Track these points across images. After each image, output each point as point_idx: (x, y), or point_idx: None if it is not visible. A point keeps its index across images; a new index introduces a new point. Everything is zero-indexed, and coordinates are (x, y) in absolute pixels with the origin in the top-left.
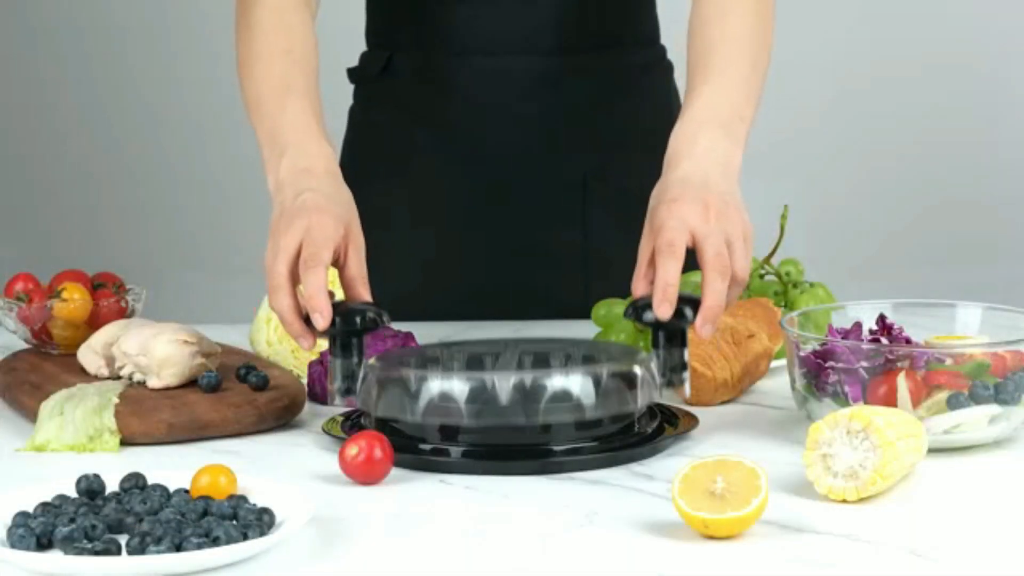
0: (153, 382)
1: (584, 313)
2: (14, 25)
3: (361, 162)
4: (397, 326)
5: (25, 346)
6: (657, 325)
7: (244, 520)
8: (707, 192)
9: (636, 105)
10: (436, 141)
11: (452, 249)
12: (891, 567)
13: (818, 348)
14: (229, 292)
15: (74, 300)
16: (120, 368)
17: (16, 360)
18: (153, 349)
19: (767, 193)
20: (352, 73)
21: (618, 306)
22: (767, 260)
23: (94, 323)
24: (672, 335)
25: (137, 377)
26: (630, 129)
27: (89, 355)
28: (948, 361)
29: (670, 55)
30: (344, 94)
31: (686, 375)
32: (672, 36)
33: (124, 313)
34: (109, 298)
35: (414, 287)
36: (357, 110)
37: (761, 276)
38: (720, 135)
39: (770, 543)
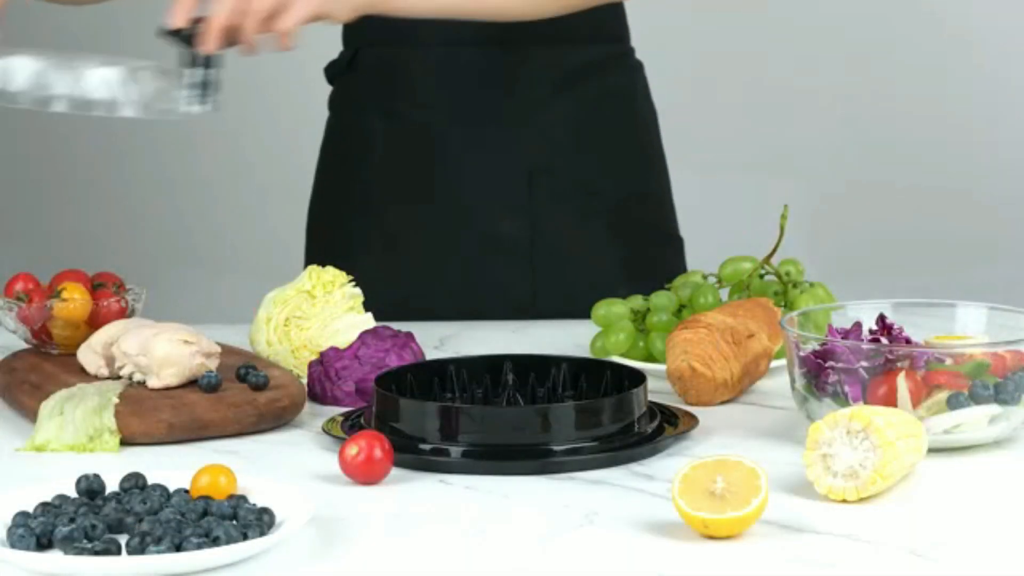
0: (153, 382)
1: (534, 308)
2: (14, 25)
3: (336, 160)
4: (397, 326)
5: (25, 346)
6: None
7: (244, 520)
8: None
9: (590, 101)
10: (394, 136)
11: (410, 243)
12: (891, 567)
13: (818, 348)
14: (229, 292)
15: (74, 300)
16: (120, 368)
17: (16, 360)
18: (153, 349)
19: (767, 193)
20: (327, 71)
21: (618, 306)
22: (767, 260)
23: (94, 323)
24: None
25: (137, 377)
26: (581, 124)
27: (89, 355)
28: (948, 361)
29: (648, 59)
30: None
31: (209, 94)
32: (647, 39)
33: (124, 313)
34: (109, 298)
35: (385, 281)
36: (331, 109)
37: (761, 276)
38: None
39: (770, 543)
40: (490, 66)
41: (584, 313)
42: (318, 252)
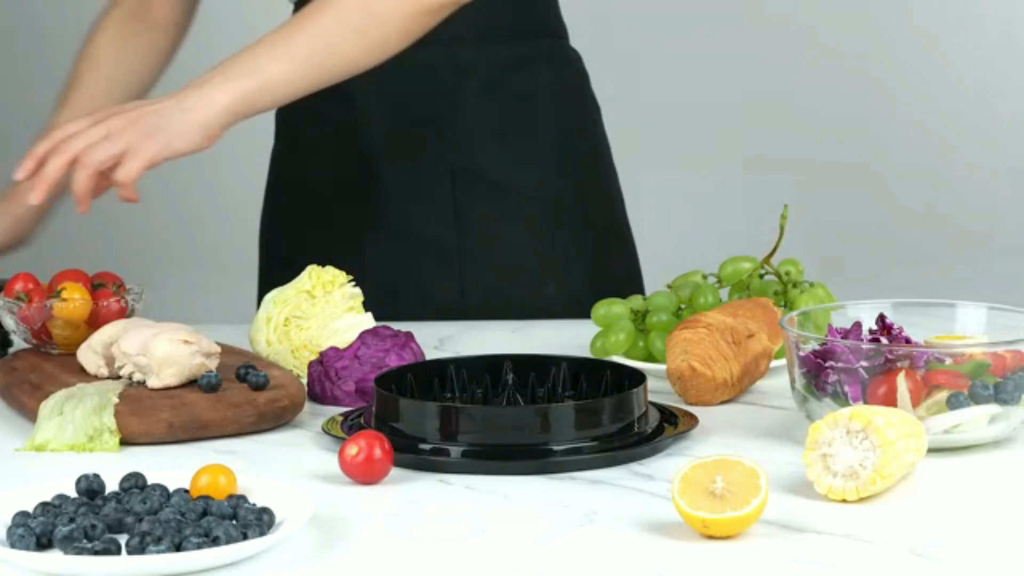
0: (153, 382)
1: (461, 307)
2: (14, 25)
3: (276, 165)
4: (397, 326)
5: (25, 346)
6: None
7: (244, 520)
8: (136, 106)
9: (516, 98)
10: (325, 136)
11: (346, 243)
12: (891, 567)
13: (818, 348)
14: (229, 292)
15: (74, 300)
16: (120, 368)
17: (16, 360)
18: (153, 349)
19: (767, 193)
20: None
21: (617, 306)
22: (767, 260)
23: (94, 323)
24: None
25: (137, 377)
26: (505, 123)
27: (89, 355)
28: (948, 361)
29: (644, 58)
30: None
31: None
32: (645, 39)
33: (124, 313)
34: (109, 298)
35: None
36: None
37: (761, 276)
38: (218, 78)
39: (770, 543)
40: (417, 65)
41: (513, 313)
42: (268, 257)
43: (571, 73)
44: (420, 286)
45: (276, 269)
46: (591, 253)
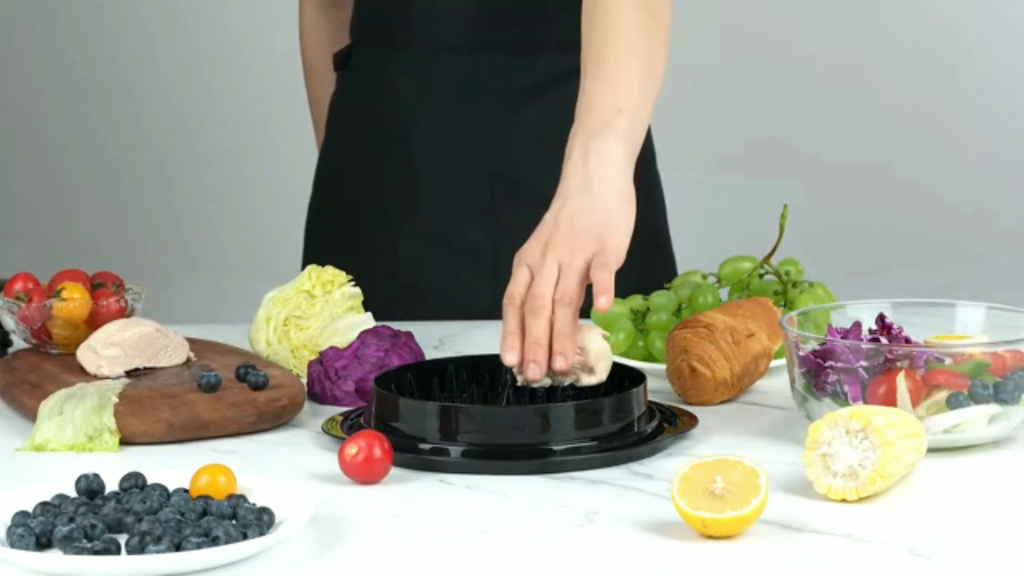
0: (587, 379)
1: (492, 313)
2: (15, 25)
3: (326, 162)
4: (397, 326)
5: (25, 346)
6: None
7: (244, 520)
8: (556, 220)
9: (553, 108)
10: (371, 137)
11: (383, 245)
12: (891, 567)
13: (818, 348)
14: (229, 292)
15: (74, 300)
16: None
17: (16, 360)
18: (588, 344)
19: (767, 193)
20: (334, 59)
21: (617, 306)
22: (767, 260)
23: (94, 323)
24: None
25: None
26: (543, 131)
27: (88, 354)
28: (947, 361)
29: None
30: None
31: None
32: None
33: (123, 313)
34: (109, 298)
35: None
36: (329, 108)
37: (761, 276)
38: (593, 136)
39: (770, 543)
40: (464, 73)
41: None
42: (312, 253)
43: None
44: (455, 288)
45: (318, 257)
46: (630, 262)
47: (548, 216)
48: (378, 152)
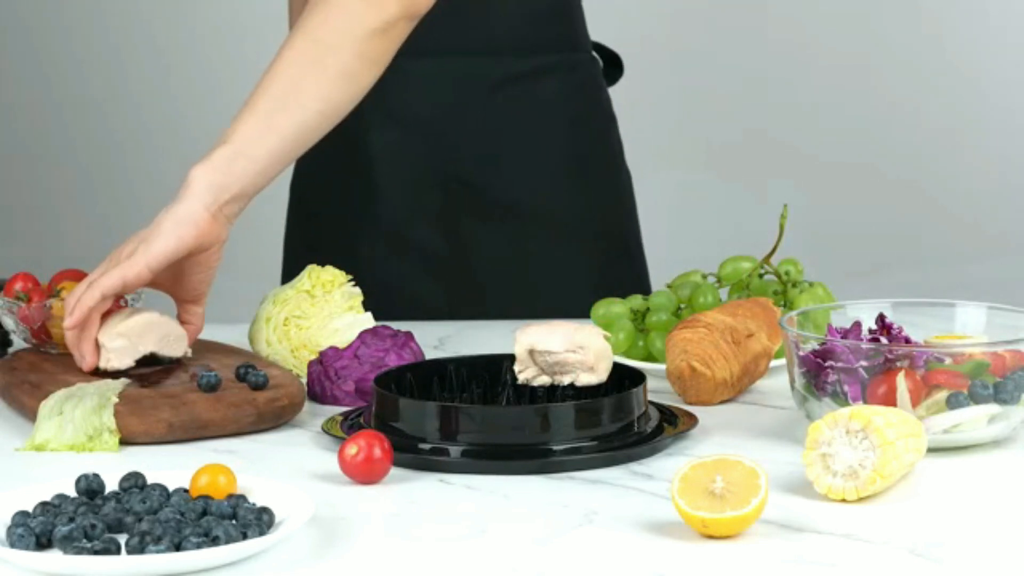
0: (586, 378)
1: (446, 315)
2: (14, 25)
3: (300, 163)
4: (397, 326)
5: (25, 346)
6: None
7: (243, 519)
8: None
9: (509, 112)
10: (331, 138)
11: (343, 248)
12: (891, 567)
13: (817, 348)
14: (229, 292)
15: None
16: (536, 374)
17: (16, 360)
18: (587, 343)
19: (767, 193)
20: None
21: (617, 305)
22: (767, 260)
23: None
24: None
25: (563, 380)
26: (499, 136)
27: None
28: (947, 360)
29: (646, 61)
30: None
31: None
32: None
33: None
34: None
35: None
36: None
37: (761, 276)
38: (200, 159)
39: (770, 543)
40: (448, 75)
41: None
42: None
43: (583, 85)
44: (410, 292)
45: (294, 269)
46: (598, 267)
47: None
48: (339, 157)
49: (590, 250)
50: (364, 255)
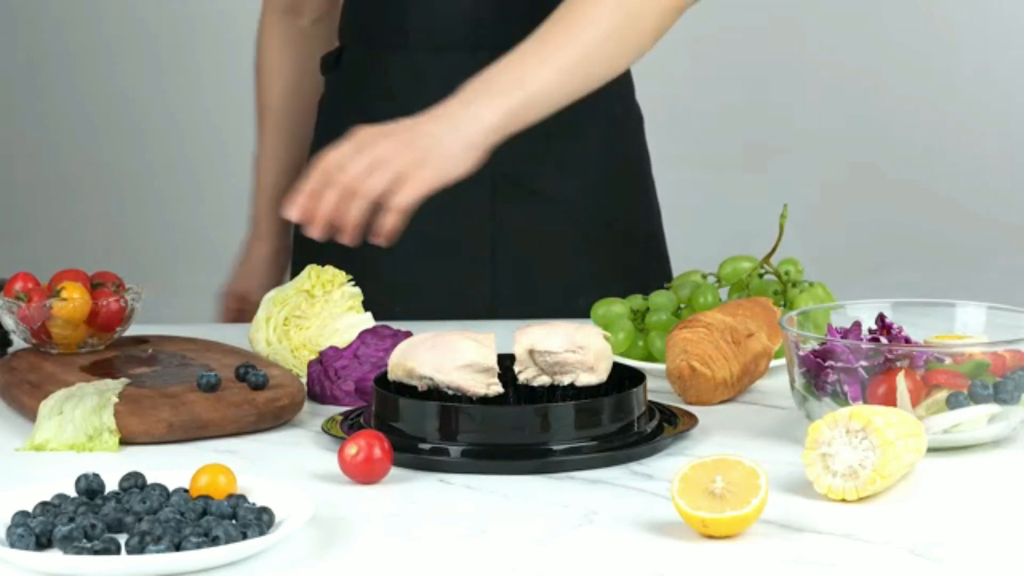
0: (587, 378)
1: (490, 312)
2: (14, 25)
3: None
4: (397, 326)
5: (25, 346)
6: None
7: (243, 519)
8: (399, 124)
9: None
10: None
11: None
12: (891, 567)
13: (817, 347)
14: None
15: (73, 299)
16: (536, 374)
17: (16, 360)
18: (588, 343)
19: (767, 193)
20: (322, 63)
21: (617, 305)
22: (767, 259)
23: (93, 322)
24: None
25: (563, 380)
26: (542, 129)
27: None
28: (947, 360)
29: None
30: None
31: None
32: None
33: (123, 313)
34: (108, 297)
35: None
36: (319, 111)
37: (761, 275)
38: (481, 94)
39: (770, 543)
40: (462, 72)
41: (544, 316)
42: (303, 254)
43: (617, 82)
44: (453, 287)
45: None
46: (626, 265)
47: (398, 122)
48: None
49: (620, 248)
50: (400, 253)
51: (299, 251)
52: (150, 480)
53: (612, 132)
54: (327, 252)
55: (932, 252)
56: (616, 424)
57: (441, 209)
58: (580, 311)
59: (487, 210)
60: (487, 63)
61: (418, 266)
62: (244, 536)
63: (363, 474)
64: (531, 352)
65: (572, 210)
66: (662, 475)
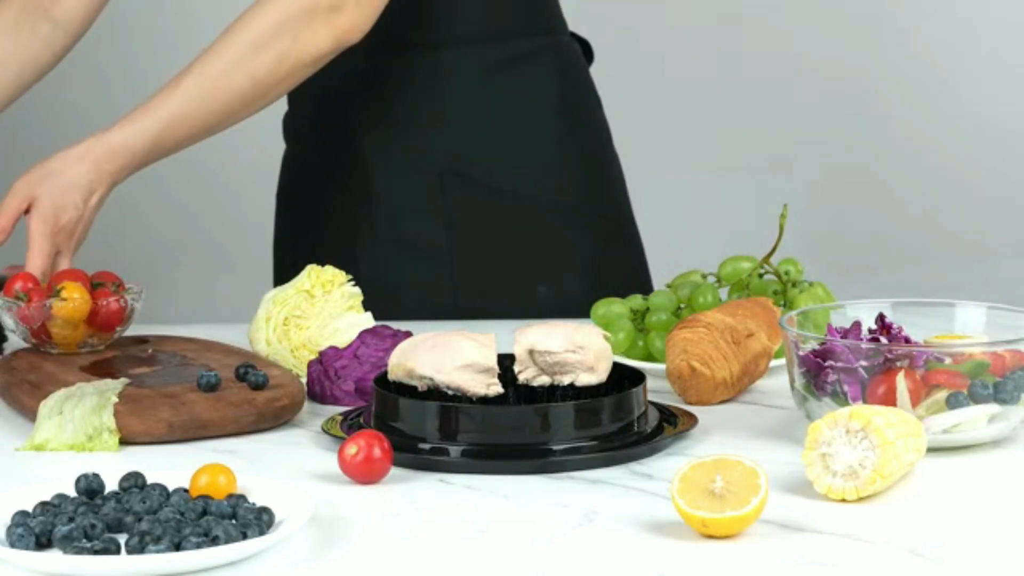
0: (586, 379)
1: (454, 310)
2: None
3: (283, 175)
4: (397, 326)
5: (25, 345)
6: None
7: (243, 519)
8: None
9: (499, 97)
10: (320, 136)
11: (343, 244)
12: (891, 567)
13: (817, 347)
14: (229, 292)
15: (73, 299)
16: (535, 374)
17: (15, 359)
18: (587, 343)
19: (767, 193)
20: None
21: (617, 305)
22: (767, 259)
23: (93, 322)
24: None
25: (562, 380)
26: (490, 122)
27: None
28: (947, 360)
29: (644, 58)
30: None
31: None
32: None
33: (123, 313)
34: (108, 297)
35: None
36: (286, 115)
37: (761, 275)
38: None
39: (770, 543)
40: (407, 70)
41: (508, 314)
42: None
43: (566, 67)
44: (416, 286)
45: (286, 268)
46: (593, 251)
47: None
48: (334, 155)
49: (588, 231)
50: (362, 253)
51: (296, 250)
52: (150, 480)
53: (566, 118)
54: (318, 250)
55: (932, 252)
56: (616, 424)
57: (397, 209)
58: (540, 301)
59: (440, 206)
60: (456, 56)
61: (381, 268)
62: (244, 536)
63: (363, 474)
64: (531, 352)
65: (528, 199)
66: (662, 475)
